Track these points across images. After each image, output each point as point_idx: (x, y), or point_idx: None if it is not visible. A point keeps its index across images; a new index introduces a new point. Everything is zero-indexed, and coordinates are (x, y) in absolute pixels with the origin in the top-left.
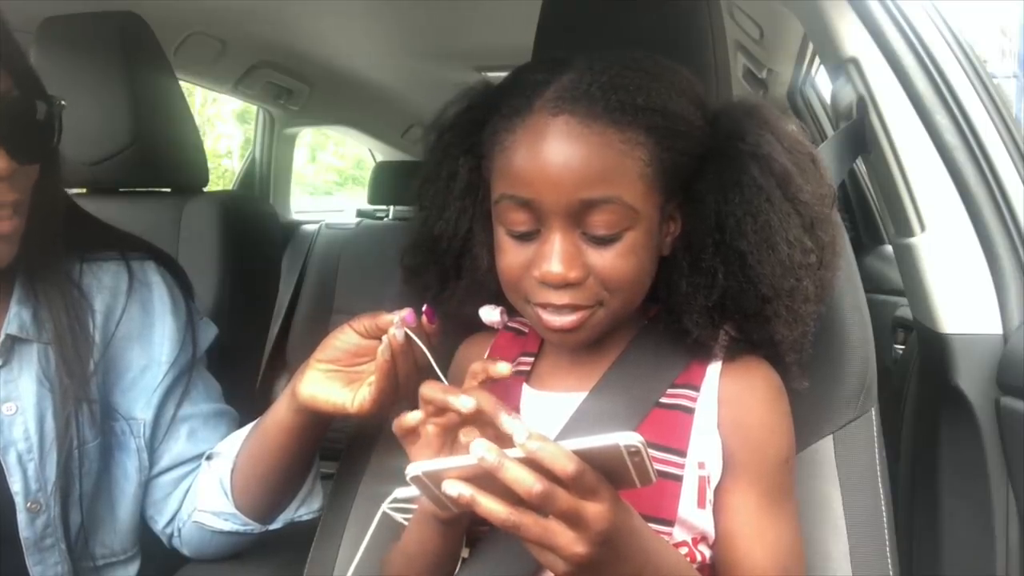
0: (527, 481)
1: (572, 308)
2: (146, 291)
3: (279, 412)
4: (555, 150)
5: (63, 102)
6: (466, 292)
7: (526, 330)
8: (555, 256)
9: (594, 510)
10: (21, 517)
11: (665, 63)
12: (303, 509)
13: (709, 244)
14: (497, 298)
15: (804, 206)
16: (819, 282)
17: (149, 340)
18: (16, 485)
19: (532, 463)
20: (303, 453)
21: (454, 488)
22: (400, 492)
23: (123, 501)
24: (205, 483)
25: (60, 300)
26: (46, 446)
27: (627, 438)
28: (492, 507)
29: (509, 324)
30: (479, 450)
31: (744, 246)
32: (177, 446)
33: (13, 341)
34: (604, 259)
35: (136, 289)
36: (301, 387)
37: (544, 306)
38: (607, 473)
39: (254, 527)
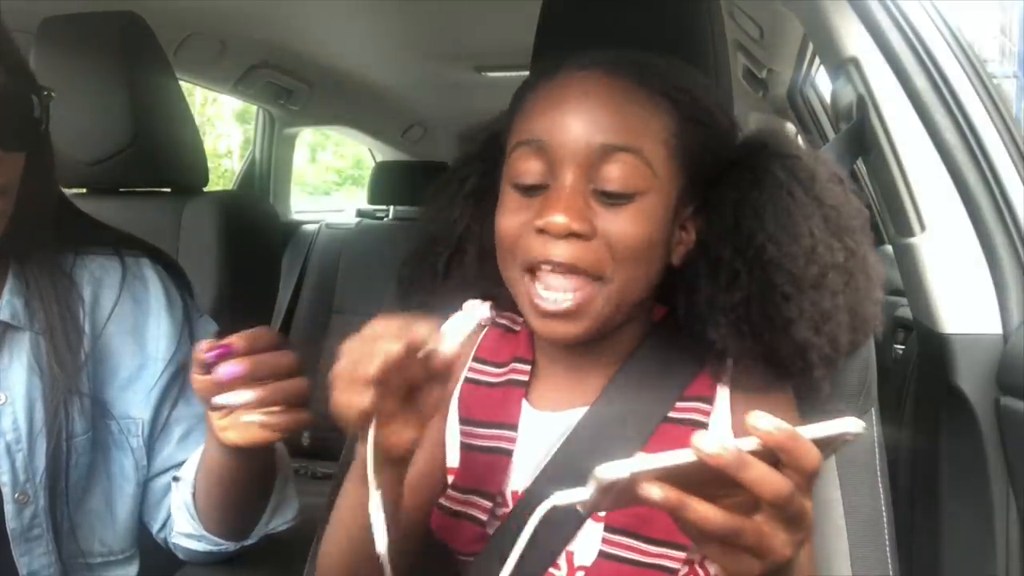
0: (776, 482)
1: (572, 271)
2: (140, 285)
3: (213, 454)
4: (579, 95)
5: (53, 93)
6: (452, 292)
7: (517, 327)
8: (560, 203)
9: (809, 508)
10: (8, 508)
11: (695, 71)
12: (276, 520)
13: (728, 246)
14: (483, 299)
15: (830, 209)
16: (849, 297)
17: (143, 336)
18: (4, 476)
19: (765, 455)
20: (254, 478)
21: (657, 492)
22: (560, 497)
23: (121, 500)
24: (175, 506)
25: (51, 289)
26: (35, 437)
27: (854, 425)
28: (706, 513)
29: (498, 320)
30: (709, 445)
31: (762, 237)
32: (168, 448)
33: (5, 328)
34: (614, 220)
35: (129, 282)
36: (223, 436)
37: (539, 270)
38: None
39: (228, 545)
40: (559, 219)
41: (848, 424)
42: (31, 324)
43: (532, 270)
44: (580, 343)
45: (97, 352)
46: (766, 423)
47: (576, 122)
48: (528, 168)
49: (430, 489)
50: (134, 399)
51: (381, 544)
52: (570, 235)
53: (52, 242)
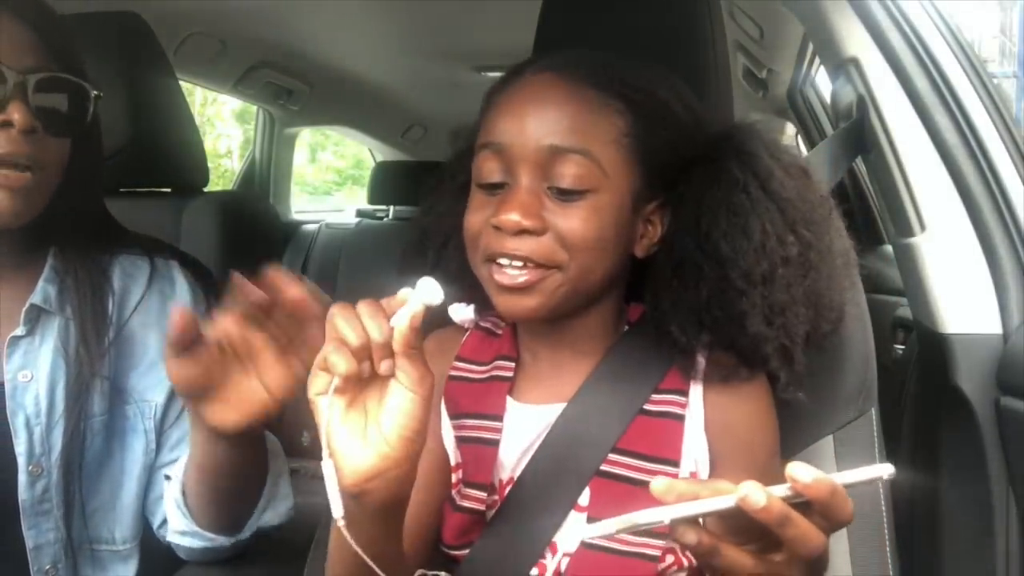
0: (813, 540)
1: (525, 262)
2: (168, 284)
3: (203, 446)
4: (532, 99)
5: (101, 95)
6: (442, 284)
7: (500, 331)
8: (514, 202)
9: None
10: (22, 479)
11: (662, 68)
12: (269, 515)
13: (691, 243)
14: (469, 298)
15: (785, 202)
16: (808, 288)
17: (168, 327)
18: (20, 447)
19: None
20: (243, 469)
21: (692, 536)
22: (589, 531)
23: (128, 483)
24: (168, 504)
25: (85, 279)
26: (55, 414)
27: (886, 470)
28: (736, 558)
29: (481, 323)
30: (757, 498)
31: (717, 235)
32: (177, 434)
33: (39, 312)
34: (566, 216)
35: (157, 280)
36: (222, 418)
37: (497, 259)
38: None
39: (222, 540)
40: (511, 217)
41: (880, 469)
42: (62, 309)
43: (492, 260)
44: (539, 320)
45: (122, 341)
46: (804, 474)
47: (528, 125)
48: (489, 169)
49: (441, 487)
50: (153, 383)
51: (337, 511)
52: (522, 231)
53: (90, 236)
